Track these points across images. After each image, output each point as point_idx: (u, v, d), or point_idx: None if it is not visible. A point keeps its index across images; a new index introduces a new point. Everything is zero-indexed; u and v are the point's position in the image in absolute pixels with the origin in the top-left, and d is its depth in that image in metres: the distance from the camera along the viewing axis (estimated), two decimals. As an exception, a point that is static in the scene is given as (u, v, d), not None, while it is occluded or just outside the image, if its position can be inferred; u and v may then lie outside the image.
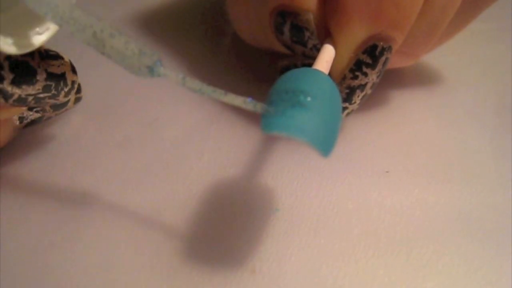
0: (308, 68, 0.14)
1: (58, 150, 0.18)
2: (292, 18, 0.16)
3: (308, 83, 0.12)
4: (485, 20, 0.20)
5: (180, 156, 0.18)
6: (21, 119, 0.16)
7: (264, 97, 0.13)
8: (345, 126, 0.19)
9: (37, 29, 0.14)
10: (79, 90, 0.17)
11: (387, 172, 0.17)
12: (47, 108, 0.16)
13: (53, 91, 0.15)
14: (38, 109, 0.16)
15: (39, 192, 0.16)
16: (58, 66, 0.15)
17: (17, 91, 0.14)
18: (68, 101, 0.17)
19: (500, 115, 0.20)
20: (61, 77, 0.15)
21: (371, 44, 0.16)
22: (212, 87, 0.12)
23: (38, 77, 0.14)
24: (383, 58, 0.16)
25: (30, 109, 0.16)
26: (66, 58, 0.15)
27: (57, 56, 0.15)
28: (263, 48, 0.20)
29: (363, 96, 0.17)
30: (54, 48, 0.15)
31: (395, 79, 0.22)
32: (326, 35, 0.16)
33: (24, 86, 0.14)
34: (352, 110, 0.17)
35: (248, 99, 0.12)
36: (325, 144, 0.11)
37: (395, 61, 0.18)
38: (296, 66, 0.19)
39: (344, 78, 0.16)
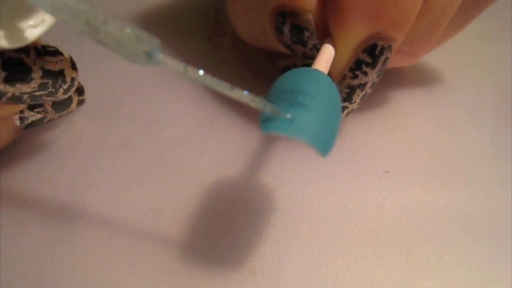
0: (307, 68, 0.14)
1: (58, 150, 0.18)
2: (292, 18, 0.16)
3: (307, 83, 0.12)
4: (485, 20, 0.20)
5: (180, 156, 0.18)
6: (22, 119, 0.16)
7: (264, 96, 0.13)
8: (344, 126, 0.19)
9: (31, 22, 0.13)
10: (82, 93, 0.17)
11: (387, 172, 0.17)
12: (49, 109, 0.16)
13: (51, 89, 0.14)
14: (39, 109, 0.16)
15: (39, 193, 0.16)
16: (56, 63, 0.14)
17: (10, 90, 0.13)
18: (70, 99, 0.16)
19: (500, 115, 0.20)
20: (59, 74, 0.14)
21: (371, 43, 0.16)
22: (217, 79, 0.11)
23: (33, 75, 0.14)
24: (383, 58, 0.16)
25: (31, 109, 0.16)
26: (66, 54, 0.15)
27: (56, 52, 0.14)
28: (263, 48, 0.20)
29: (363, 96, 0.17)
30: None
31: (395, 79, 0.22)
32: (326, 35, 0.16)
33: (18, 85, 0.13)
34: (352, 110, 0.17)
35: (258, 98, 0.11)
36: (324, 144, 0.11)
37: (395, 60, 0.18)
38: (296, 66, 0.19)
39: (344, 77, 0.16)
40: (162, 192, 0.16)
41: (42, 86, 0.14)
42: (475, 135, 0.19)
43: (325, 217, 0.16)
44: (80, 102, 0.17)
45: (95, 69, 0.21)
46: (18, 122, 0.16)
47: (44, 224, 0.15)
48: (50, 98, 0.15)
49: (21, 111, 0.15)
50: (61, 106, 0.16)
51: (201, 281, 0.14)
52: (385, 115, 0.20)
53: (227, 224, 0.15)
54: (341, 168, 0.17)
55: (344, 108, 0.17)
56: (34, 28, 0.13)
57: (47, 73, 0.14)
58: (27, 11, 0.13)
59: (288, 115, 0.11)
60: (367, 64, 0.16)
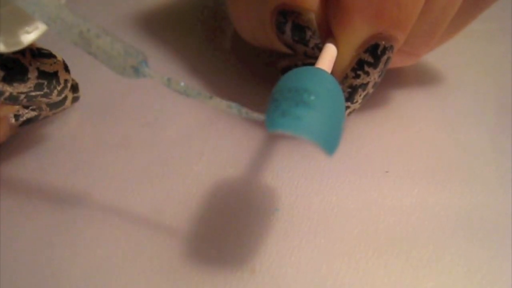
0: (311, 67, 0.14)
1: (57, 150, 0.18)
2: (294, 18, 0.16)
3: (312, 81, 0.12)
4: (485, 20, 0.20)
5: (180, 156, 0.18)
6: (16, 116, 0.16)
7: (264, 97, 0.13)
8: (345, 126, 0.19)
9: (26, 28, 0.14)
10: (76, 90, 0.17)
11: (387, 172, 0.17)
12: (43, 106, 0.16)
13: (46, 90, 0.15)
14: (34, 107, 0.16)
15: (38, 192, 0.16)
16: (51, 64, 0.15)
17: (8, 89, 0.14)
18: (64, 99, 0.17)
19: (500, 115, 0.20)
20: (54, 75, 0.15)
21: (373, 43, 0.16)
22: (197, 90, 0.12)
23: (29, 75, 0.14)
24: (385, 57, 0.16)
25: (26, 106, 0.16)
26: (59, 57, 0.15)
27: (49, 55, 0.15)
28: (263, 47, 0.20)
29: (365, 95, 0.17)
30: (53, 47, 0.15)
31: (396, 79, 0.22)
32: (327, 35, 0.16)
33: (15, 84, 0.14)
34: (354, 109, 0.17)
35: (233, 104, 0.12)
36: (329, 142, 0.11)
37: (396, 60, 0.18)
38: (296, 66, 0.19)
39: (346, 77, 0.16)
40: (162, 192, 0.16)
41: (37, 87, 0.14)
42: (475, 135, 0.19)
43: (325, 217, 0.16)
44: (75, 99, 0.17)
45: (95, 69, 0.20)
46: (13, 120, 0.16)
47: (43, 223, 0.15)
48: (45, 99, 0.15)
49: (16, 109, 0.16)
50: (56, 103, 0.17)
51: (201, 281, 0.14)
52: (385, 115, 0.20)
53: (227, 224, 0.15)
54: (341, 168, 0.17)
55: (346, 107, 0.17)
56: (29, 33, 0.14)
57: (42, 74, 0.15)
58: (23, 18, 0.14)
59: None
60: (369, 64, 0.16)
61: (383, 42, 0.16)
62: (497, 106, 0.21)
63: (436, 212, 0.16)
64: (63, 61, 0.15)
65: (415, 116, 0.20)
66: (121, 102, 0.20)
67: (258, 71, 0.22)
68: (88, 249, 0.15)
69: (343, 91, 0.16)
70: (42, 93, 0.15)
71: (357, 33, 0.15)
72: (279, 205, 0.16)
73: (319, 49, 0.16)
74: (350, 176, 0.17)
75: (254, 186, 0.17)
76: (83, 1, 0.12)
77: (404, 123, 0.20)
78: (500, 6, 0.20)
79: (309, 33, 0.16)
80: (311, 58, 0.17)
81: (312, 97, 0.12)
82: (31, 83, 0.14)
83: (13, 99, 0.14)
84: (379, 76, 0.16)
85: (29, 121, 0.16)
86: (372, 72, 0.16)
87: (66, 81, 0.15)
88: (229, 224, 0.15)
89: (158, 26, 0.25)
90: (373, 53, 0.16)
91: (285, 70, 0.18)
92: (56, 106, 0.17)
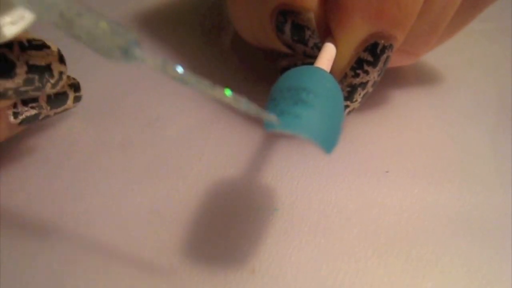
0: (310, 66, 0.14)
1: (58, 151, 0.18)
2: (293, 17, 0.16)
3: (310, 80, 0.12)
4: (485, 20, 0.20)
5: (180, 156, 0.18)
6: (15, 114, 0.15)
7: (264, 96, 0.13)
8: (345, 126, 0.19)
9: (9, 18, 0.12)
10: (78, 89, 0.17)
11: (387, 172, 0.17)
12: (44, 104, 0.16)
13: (37, 84, 0.14)
14: (34, 105, 0.16)
15: (38, 193, 0.16)
16: (43, 57, 0.14)
17: None
18: (66, 96, 0.16)
19: (500, 115, 0.20)
20: (46, 68, 0.14)
21: (372, 42, 0.16)
22: (197, 77, 0.10)
23: (17, 71, 0.13)
24: (384, 56, 0.16)
25: (25, 103, 0.15)
26: (54, 47, 0.14)
27: (42, 46, 0.14)
28: (263, 47, 0.20)
29: (364, 94, 0.17)
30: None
31: (396, 79, 0.22)
32: (327, 34, 0.16)
33: (0, 81, 0.13)
34: (354, 108, 0.17)
35: (239, 98, 0.11)
36: (328, 141, 0.11)
37: (395, 60, 0.18)
38: (296, 66, 0.19)
39: (345, 76, 0.16)
40: (162, 192, 0.16)
41: (27, 82, 0.14)
42: (475, 135, 0.19)
43: (325, 217, 0.16)
44: (77, 99, 0.16)
45: (95, 69, 0.21)
46: (11, 118, 0.15)
47: (44, 224, 0.15)
48: (38, 93, 0.14)
49: (15, 106, 0.15)
50: (57, 102, 0.16)
51: (201, 281, 0.14)
52: (385, 115, 0.20)
53: (227, 224, 0.15)
54: (341, 168, 0.17)
55: (345, 106, 0.17)
56: (14, 24, 0.12)
57: (32, 68, 0.14)
58: (5, 7, 0.12)
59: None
60: (369, 63, 0.16)
61: (383, 41, 0.16)
62: (497, 106, 0.21)
63: (436, 212, 0.16)
64: (58, 51, 0.14)
65: (415, 116, 0.20)
66: (122, 102, 0.20)
67: (258, 70, 0.22)
68: (88, 249, 0.14)
69: (343, 90, 0.16)
70: (33, 87, 0.14)
71: (357, 32, 0.15)
72: (279, 205, 0.16)
73: (319, 48, 0.16)
74: (350, 176, 0.17)
75: (254, 186, 0.17)
76: (82, 2, 0.12)
77: (404, 123, 0.20)
78: (500, 6, 0.20)
79: (308, 33, 0.16)
80: (311, 57, 0.17)
81: (311, 96, 0.12)
82: (19, 79, 0.13)
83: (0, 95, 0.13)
84: (379, 75, 0.16)
85: (28, 119, 0.16)
86: (372, 71, 0.16)
87: (61, 73, 0.14)
88: (229, 224, 0.15)
89: (158, 26, 0.25)
90: (373, 52, 0.16)
91: (285, 69, 0.18)
92: (57, 104, 0.16)
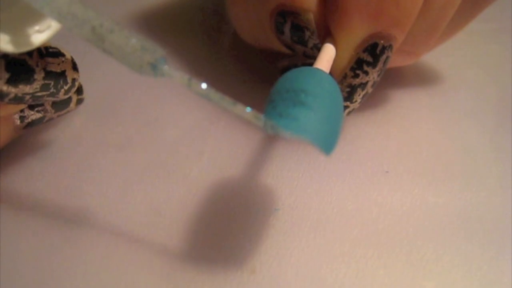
0: (309, 67, 0.14)
1: (59, 150, 0.18)
2: (293, 18, 0.16)
3: (309, 82, 0.12)
4: (485, 20, 0.20)
5: (180, 156, 0.18)
6: (21, 118, 0.16)
7: (264, 97, 0.13)
8: (344, 126, 0.19)
9: (37, 27, 0.13)
10: (81, 92, 0.17)
11: (387, 172, 0.17)
12: (49, 108, 0.16)
13: (52, 90, 0.14)
14: (39, 109, 0.16)
15: (39, 193, 0.16)
16: (58, 64, 0.14)
17: (13, 90, 0.13)
18: (69, 99, 0.16)
19: (500, 115, 0.20)
20: (61, 75, 0.15)
21: (371, 42, 0.16)
22: (220, 94, 0.11)
23: (35, 76, 0.14)
24: (384, 57, 0.16)
25: (31, 108, 0.16)
26: (68, 55, 0.15)
27: (58, 54, 0.14)
28: (263, 48, 0.20)
29: (364, 95, 0.17)
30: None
31: (395, 79, 0.22)
32: (326, 35, 0.16)
33: (20, 86, 0.13)
34: (353, 109, 0.17)
35: (259, 115, 0.11)
36: (327, 142, 0.11)
37: (395, 60, 0.18)
38: (296, 66, 0.19)
39: (345, 77, 0.16)
40: (162, 192, 0.16)
41: (44, 87, 0.14)
42: (475, 135, 0.19)
43: (325, 217, 0.16)
44: (79, 101, 0.17)
45: (95, 70, 0.21)
46: (18, 121, 0.16)
47: (45, 224, 0.15)
48: (51, 99, 0.15)
49: (21, 110, 0.16)
50: (61, 105, 0.16)
51: (201, 281, 0.14)
52: (385, 115, 0.20)
53: (227, 224, 0.15)
54: (341, 168, 0.17)
55: (345, 107, 0.17)
56: (40, 33, 0.13)
57: (49, 74, 0.14)
58: (34, 16, 0.13)
59: (290, 114, 0.11)
60: (368, 63, 0.16)
61: (382, 41, 0.16)
62: (497, 106, 0.21)
63: (436, 212, 0.16)
64: (72, 59, 0.15)
65: (415, 116, 0.20)
66: (122, 102, 0.20)
67: (258, 71, 0.22)
68: (88, 249, 0.15)
69: (342, 91, 0.16)
70: (48, 93, 0.14)
71: (356, 33, 0.15)
72: (279, 205, 0.16)
73: (318, 49, 0.16)
74: (350, 176, 0.17)
75: (254, 186, 0.17)
76: (82, 2, 0.12)
77: (404, 123, 0.20)
78: (500, 6, 0.20)
79: (307, 34, 0.16)
80: (311, 58, 0.17)
81: (310, 98, 0.12)
82: (37, 84, 0.14)
83: (18, 100, 0.14)
84: (378, 75, 0.16)
85: (33, 123, 0.16)
86: (371, 71, 0.16)
87: (74, 80, 0.15)
88: (229, 224, 0.15)
89: (158, 26, 0.25)
90: (372, 52, 0.16)
91: (285, 70, 0.18)
92: (61, 107, 0.16)
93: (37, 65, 0.14)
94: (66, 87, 0.15)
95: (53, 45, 0.15)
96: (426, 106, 0.21)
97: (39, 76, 0.14)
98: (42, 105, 0.16)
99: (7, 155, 0.17)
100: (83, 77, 0.16)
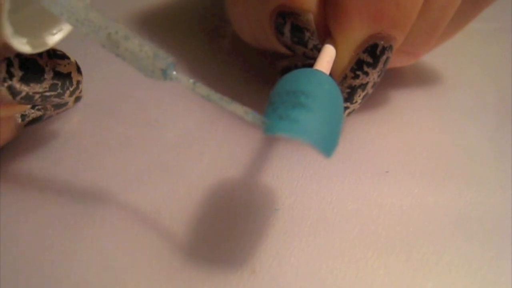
0: (308, 69, 0.14)
1: (59, 150, 0.18)
2: (293, 19, 0.16)
3: (309, 83, 0.12)
4: (485, 20, 0.20)
5: (180, 156, 0.18)
6: (23, 116, 0.16)
7: (264, 97, 0.13)
8: (345, 126, 0.19)
9: (52, 29, 0.14)
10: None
11: (387, 172, 0.17)
12: (49, 106, 0.16)
13: (59, 90, 0.15)
14: (40, 107, 0.16)
15: (39, 192, 0.16)
16: (65, 65, 0.15)
17: (25, 89, 0.14)
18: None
19: (500, 115, 0.20)
20: (67, 76, 0.15)
21: (371, 43, 0.16)
22: (219, 95, 0.12)
23: (45, 76, 0.14)
24: (384, 57, 0.16)
25: (33, 107, 0.16)
26: (72, 59, 0.15)
27: (63, 56, 0.15)
28: (263, 48, 0.20)
29: (364, 96, 0.17)
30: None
31: (395, 79, 0.22)
32: (326, 35, 0.16)
33: (32, 84, 0.14)
34: (354, 110, 0.17)
35: (251, 111, 0.12)
36: (327, 144, 0.11)
37: (395, 60, 0.18)
38: (296, 67, 0.19)
39: (345, 77, 0.16)
40: (162, 193, 0.16)
41: (52, 87, 0.15)
42: (475, 135, 0.19)
43: (325, 217, 0.16)
44: (77, 99, 0.17)
45: (96, 70, 0.21)
46: (19, 120, 0.16)
47: (44, 222, 0.15)
48: (57, 100, 0.15)
49: None
50: (60, 104, 0.17)
51: (201, 281, 0.14)
52: (385, 115, 0.20)
53: (227, 224, 0.15)
54: (341, 168, 0.17)
55: (345, 108, 0.17)
56: (53, 35, 0.14)
57: (57, 75, 0.15)
58: (48, 19, 0.14)
59: (290, 117, 0.11)
60: (368, 64, 0.16)
61: (382, 42, 0.16)
62: (497, 106, 0.21)
63: (436, 212, 0.16)
64: (76, 63, 0.15)
65: (415, 116, 0.20)
66: (122, 102, 0.20)
67: (258, 71, 0.22)
68: (88, 249, 0.15)
69: (342, 92, 0.16)
70: (55, 93, 0.15)
71: (356, 33, 0.15)
72: (279, 205, 0.16)
73: (318, 50, 0.16)
74: (350, 176, 0.17)
75: (254, 186, 0.17)
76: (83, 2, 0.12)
77: (404, 123, 0.20)
78: (500, 6, 0.20)
79: (307, 34, 0.16)
80: (311, 59, 0.17)
81: (310, 99, 0.12)
82: (46, 84, 0.14)
83: (28, 99, 0.14)
84: (378, 76, 0.16)
85: (34, 121, 0.17)
86: (371, 72, 0.16)
87: (78, 82, 0.16)
88: (229, 224, 0.15)
89: (157, 27, 0.25)
90: (372, 53, 0.16)
91: (285, 70, 0.18)
92: (60, 106, 0.17)
93: (47, 65, 0.14)
94: (71, 89, 0.15)
95: (58, 49, 0.15)
96: (426, 106, 0.21)
97: (48, 75, 0.14)
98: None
99: (7, 154, 0.17)
100: (84, 77, 0.16)
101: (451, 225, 0.16)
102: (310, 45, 0.16)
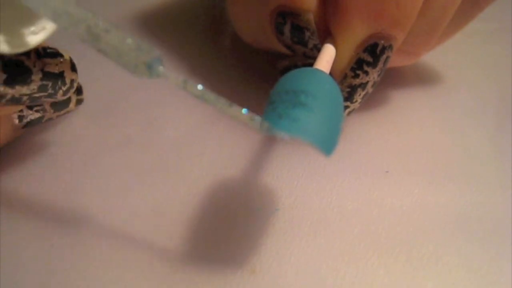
0: (308, 68, 0.14)
1: (58, 150, 0.18)
2: (293, 19, 0.16)
3: (309, 83, 0.12)
4: (485, 20, 0.20)
5: (180, 156, 0.18)
6: (20, 118, 0.16)
7: (264, 97, 0.13)
8: (345, 126, 0.19)
9: (33, 28, 0.13)
10: (80, 92, 0.17)
11: (387, 172, 0.17)
12: (48, 108, 0.16)
13: (50, 91, 0.14)
14: (38, 108, 0.16)
15: (39, 193, 0.16)
16: (56, 64, 0.14)
17: (10, 92, 0.13)
18: (68, 101, 0.17)
19: (500, 115, 0.20)
20: (59, 76, 0.14)
21: (372, 42, 0.16)
22: (215, 95, 0.11)
23: (33, 77, 0.14)
24: (384, 57, 0.16)
25: (30, 108, 0.16)
26: (66, 56, 0.15)
27: (56, 54, 0.14)
28: (263, 48, 0.20)
29: (364, 95, 0.17)
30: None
31: (395, 79, 0.22)
32: (326, 35, 0.16)
33: (17, 87, 0.13)
34: (354, 109, 0.17)
35: (255, 117, 0.11)
36: (327, 143, 0.11)
37: (395, 60, 0.18)
38: (296, 66, 0.19)
39: (345, 77, 0.16)
40: (162, 192, 0.16)
41: (41, 88, 0.14)
42: (475, 135, 0.19)
43: (325, 217, 0.16)
44: (79, 102, 0.17)
45: (95, 69, 0.21)
46: (17, 121, 0.16)
47: (44, 224, 0.15)
48: (49, 100, 0.15)
49: (20, 110, 0.16)
50: (60, 105, 0.16)
51: (201, 281, 0.14)
52: (385, 115, 0.20)
53: (227, 224, 0.15)
54: (341, 168, 0.17)
55: (345, 107, 0.17)
56: (35, 34, 0.13)
57: (46, 75, 0.14)
58: (29, 17, 0.13)
59: (290, 116, 0.11)
60: (368, 64, 0.16)
61: (382, 42, 0.16)
62: (497, 106, 0.21)
63: (436, 212, 0.16)
64: (70, 60, 0.15)
65: (415, 116, 0.20)
66: (122, 102, 0.20)
67: (258, 71, 0.22)
68: (88, 249, 0.15)
69: (342, 91, 0.16)
70: (46, 94, 0.14)
71: (356, 33, 0.15)
72: (279, 205, 0.16)
73: (318, 49, 0.16)
74: (350, 176, 0.17)
75: (254, 186, 0.17)
76: (82, 2, 0.12)
77: (404, 123, 0.20)
78: (500, 6, 0.20)
79: (307, 34, 0.16)
80: (311, 58, 0.17)
81: (310, 99, 0.12)
82: (34, 85, 0.14)
83: (15, 101, 0.14)
84: (379, 75, 0.16)
85: (32, 122, 0.16)
86: (371, 71, 0.16)
87: (72, 81, 0.15)
88: (229, 224, 0.15)
89: (158, 26, 0.25)
90: (372, 52, 0.16)
91: (285, 70, 0.18)
92: (60, 108, 0.16)
93: (34, 66, 0.14)
94: (64, 88, 0.15)
95: (51, 46, 0.15)
96: (426, 106, 0.21)
97: (36, 77, 0.14)
98: (41, 104, 0.16)
99: (7, 155, 0.17)
100: (83, 77, 0.16)
101: (451, 225, 0.16)
102: (310, 45, 0.16)
